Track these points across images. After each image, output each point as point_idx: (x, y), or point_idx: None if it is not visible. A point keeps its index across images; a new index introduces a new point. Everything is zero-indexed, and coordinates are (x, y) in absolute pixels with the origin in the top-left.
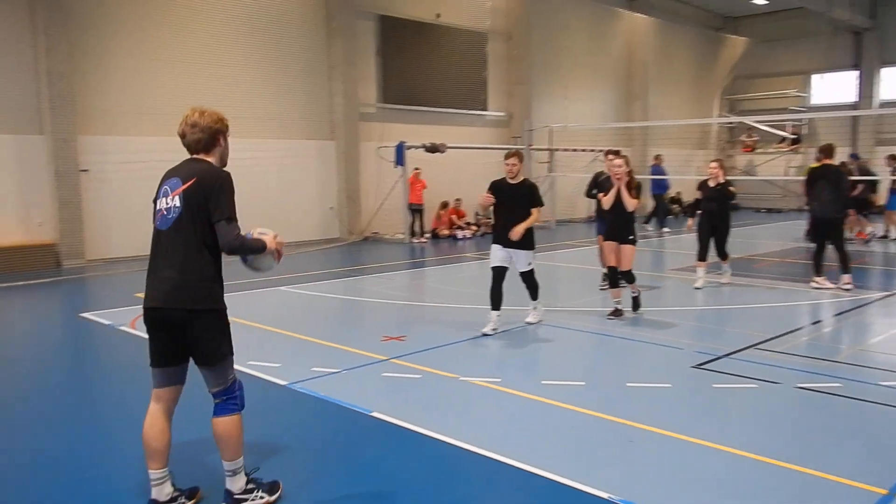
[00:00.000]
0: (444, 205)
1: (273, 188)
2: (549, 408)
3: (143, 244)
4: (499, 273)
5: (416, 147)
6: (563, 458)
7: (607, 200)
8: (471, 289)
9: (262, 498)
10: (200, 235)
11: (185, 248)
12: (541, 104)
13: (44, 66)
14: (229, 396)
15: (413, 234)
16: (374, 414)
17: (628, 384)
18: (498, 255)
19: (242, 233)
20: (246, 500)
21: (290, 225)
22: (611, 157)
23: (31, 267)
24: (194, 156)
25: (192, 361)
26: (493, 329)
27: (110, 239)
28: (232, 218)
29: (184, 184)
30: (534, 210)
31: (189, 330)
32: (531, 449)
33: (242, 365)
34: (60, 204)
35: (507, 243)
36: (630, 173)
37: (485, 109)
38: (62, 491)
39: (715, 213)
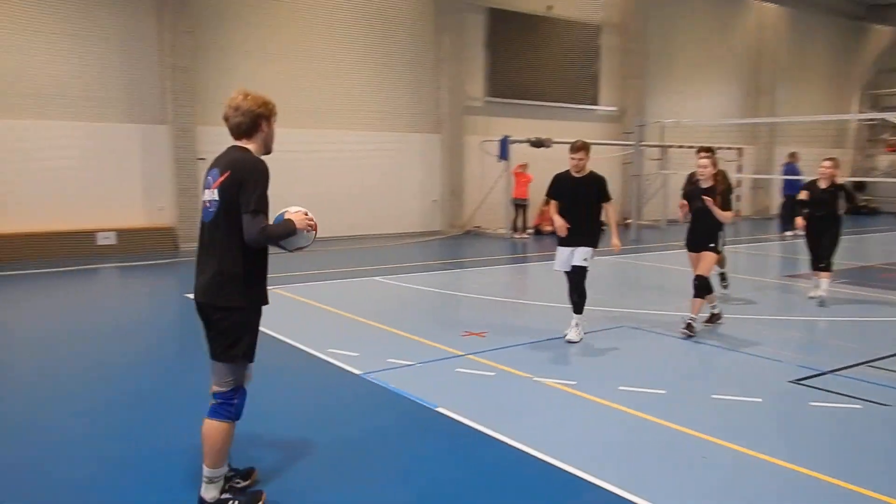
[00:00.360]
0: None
1: (377, 180)
2: (621, 415)
3: None
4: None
5: (521, 141)
6: (626, 469)
7: (683, 215)
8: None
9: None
10: (237, 230)
11: (220, 244)
12: (655, 99)
13: (168, 61)
14: (225, 401)
15: (515, 228)
16: (440, 409)
17: (713, 396)
18: (562, 258)
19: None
20: None
21: (392, 217)
22: (702, 154)
23: (151, 249)
24: (236, 142)
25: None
26: (579, 335)
27: None
28: (258, 211)
29: (220, 176)
30: (607, 206)
31: (212, 324)
32: (592, 457)
33: (321, 352)
34: (179, 190)
35: (572, 243)
36: (718, 175)
37: (595, 104)
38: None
39: (822, 218)
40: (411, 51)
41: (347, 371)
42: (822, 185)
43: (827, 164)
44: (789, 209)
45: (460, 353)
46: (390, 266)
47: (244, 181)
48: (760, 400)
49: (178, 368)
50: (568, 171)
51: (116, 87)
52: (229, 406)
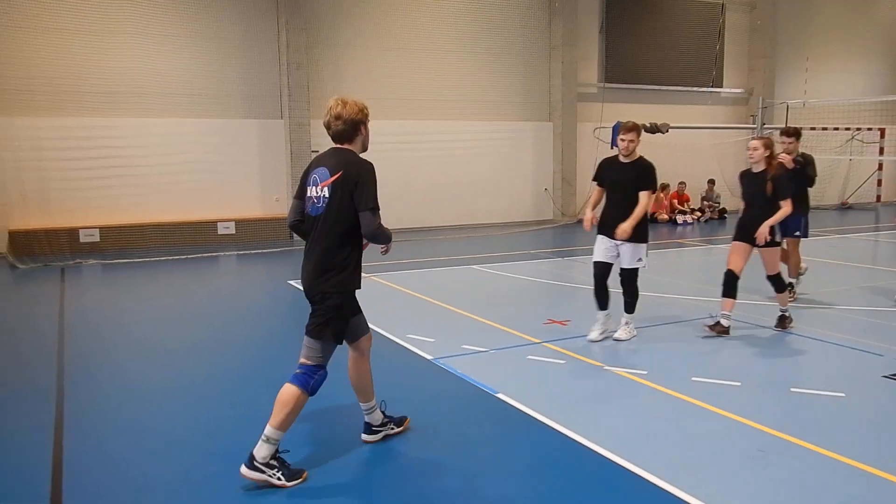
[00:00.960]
0: (664, 187)
1: (488, 169)
2: (690, 408)
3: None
4: (600, 270)
5: None
6: (685, 465)
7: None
8: (668, 277)
9: (279, 479)
10: (344, 224)
11: (326, 236)
12: (786, 79)
13: (284, 58)
14: (307, 373)
15: None
16: (500, 395)
17: (792, 389)
18: (600, 247)
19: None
20: (263, 471)
21: (503, 206)
22: (783, 137)
23: (267, 238)
24: (337, 145)
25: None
26: (601, 333)
27: None
28: (376, 208)
29: (331, 175)
30: (642, 195)
31: (313, 305)
32: (654, 451)
33: (400, 337)
34: (294, 182)
35: (613, 234)
36: (773, 160)
37: (719, 86)
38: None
39: None
40: (523, 38)
41: (420, 356)
42: None
43: None
44: None
45: (537, 340)
46: (495, 255)
47: (359, 181)
48: (843, 395)
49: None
50: (616, 156)
51: (237, 84)
52: (309, 378)
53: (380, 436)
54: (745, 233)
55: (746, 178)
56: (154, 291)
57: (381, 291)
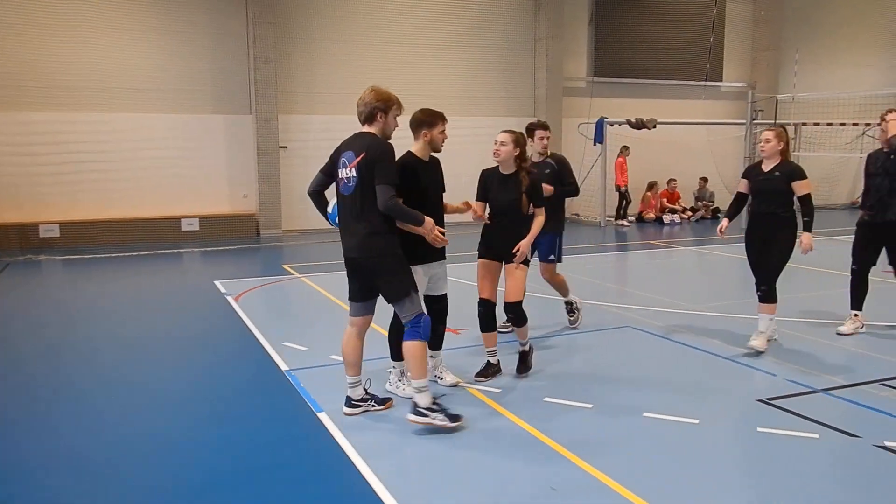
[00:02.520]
0: (651, 186)
1: (469, 166)
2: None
3: None
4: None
5: (621, 123)
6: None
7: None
8: (607, 282)
9: (441, 420)
10: (370, 199)
11: (367, 210)
12: (792, 72)
13: (252, 52)
14: (413, 326)
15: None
16: (321, 414)
17: (645, 414)
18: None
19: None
20: (427, 415)
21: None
22: (539, 131)
23: (233, 235)
24: (362, 130)
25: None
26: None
27: (305, 211)
28: (389, 183)
29: (357, 157)
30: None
31: (376, 273)
32: (426, 487)
33: (273, 344)
34: (261, 178)
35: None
36: (524, 161)
37: (718, 80)
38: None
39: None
40: (506, 31)
41: (275, 365)
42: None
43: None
44: None
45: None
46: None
47: (377, 159)
48: (697, 421)
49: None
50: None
51: (205, 79)
52: (418, 328)
53: (357, 410)
54: (491, 248)
55: (495, 179)
56: (98, 287)
57: (302, 293)
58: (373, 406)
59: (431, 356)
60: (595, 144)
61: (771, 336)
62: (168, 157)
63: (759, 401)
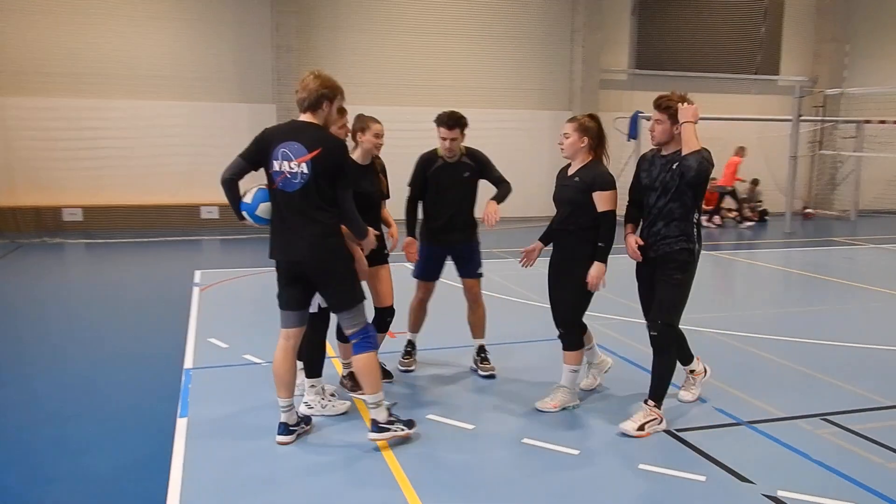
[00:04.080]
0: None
1: (499, 161)
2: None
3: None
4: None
5: None
6: None
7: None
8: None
9: (402, 430)
10: (326, 198)
11: (317, 209)
12: (863, 66)
13: (274, 41)
14: (364, 337)
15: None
16: (183, 419)
17: (525, 440)
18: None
19: None
20: (389, 429)
21: (517, 200)
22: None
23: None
24: (302, 119)
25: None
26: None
27: None
28: (349, 187)
29: (309, 152)
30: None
31: (326, 279)
32: None
33: (199, 339)
34: None
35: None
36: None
37: (774, 73)
38: None
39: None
40: (541, 20)
41: (176, 362)
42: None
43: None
44: None
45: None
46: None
47: (338, 160)
48: (577, 452)
49: None
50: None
51: (228, 68)
52: (370, 340)
53: (293, 437)
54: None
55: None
56: (89, 271)
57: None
58: (400, 428)
59: (313, 384)
60: (629, 140)
61: (591, 385)
62: (189, 145)
63: (665, 431)
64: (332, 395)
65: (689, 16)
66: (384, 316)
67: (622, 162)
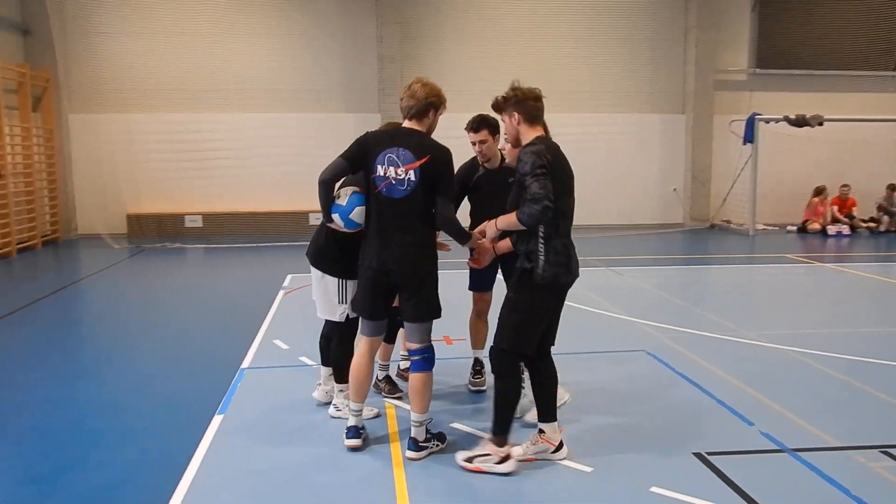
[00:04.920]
0: (819, 191)
1: (608, 166)
2: None
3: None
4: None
5: (778, 120)
6: None
7: None
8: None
9: (437, 446)
10: (430, 208)
11: (417, 219)
12: None
13: (378, 52)
14: (426, 355)
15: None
16: (218, 417)
17: (557, 459)
18: None
19: None
20: (427, 447)
21: (625, 207)
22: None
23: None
24: (407, 125)
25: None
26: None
27: None
28: (451, 197)
29: (418, 159)
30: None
31: (414, 291)
32: None
33: (265, 340)
34: None
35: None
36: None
37: None
38: None
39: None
40: (652, 20)
41: (234, 361)
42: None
43: None
44: None
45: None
46: (610, 257)
47: (444, 168)
48: (591, 469)
49: None
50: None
51: (335, 79)
52: (429, 359)
53: (360, 440)
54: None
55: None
56: (195, 274)
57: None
58: (436, 445)
59: (342, 389)
60: (745, 144)
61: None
62: (298, 154)
63: (694, 454)
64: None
65: (818, 10)
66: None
67: (737, 167)
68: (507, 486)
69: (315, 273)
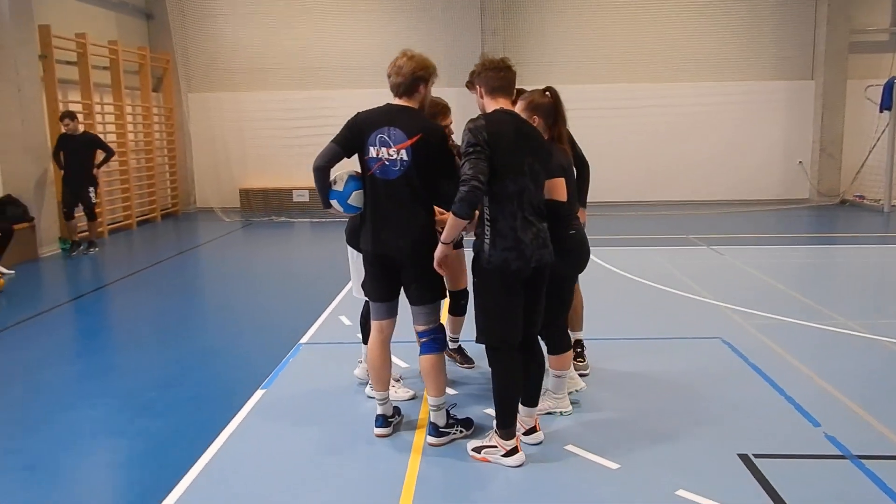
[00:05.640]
0: None
1: (725, 137)
2: None
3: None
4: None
5: None
6: None
7: None
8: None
9: (460, 432)
10: (428, 188)
11: (414, 200)
12: None
13: (481, 25)
14: (435, 336)
15: None
16: (261, 390)
17: (567, 447)
18: None
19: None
20: (448, 433)
21: (743, 181)
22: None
23: None
24: (398, 102)
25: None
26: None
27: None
28: (453, 175)
29: (409, 138)
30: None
31: (416, 272)
32: None
33: (329, 317)
34: None
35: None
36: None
37: None
38: None
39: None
40: None
41: (294, 336)
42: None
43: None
44: None
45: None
46: (725, 235)
47: (439, 146)
48: (617, 466)
49: None
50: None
51: (439, 53)
52: (438, 340)
53: (390, 429)
54: None
55: None
56: (305, 248)
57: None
58: (459, 431)
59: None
60: (882, 111)
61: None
62: None
63: (739, 455)
64: (398, 380)
65: None
66: (458, 299)
67: (873, 137)
68: (520, 480)
69: (351, 252)
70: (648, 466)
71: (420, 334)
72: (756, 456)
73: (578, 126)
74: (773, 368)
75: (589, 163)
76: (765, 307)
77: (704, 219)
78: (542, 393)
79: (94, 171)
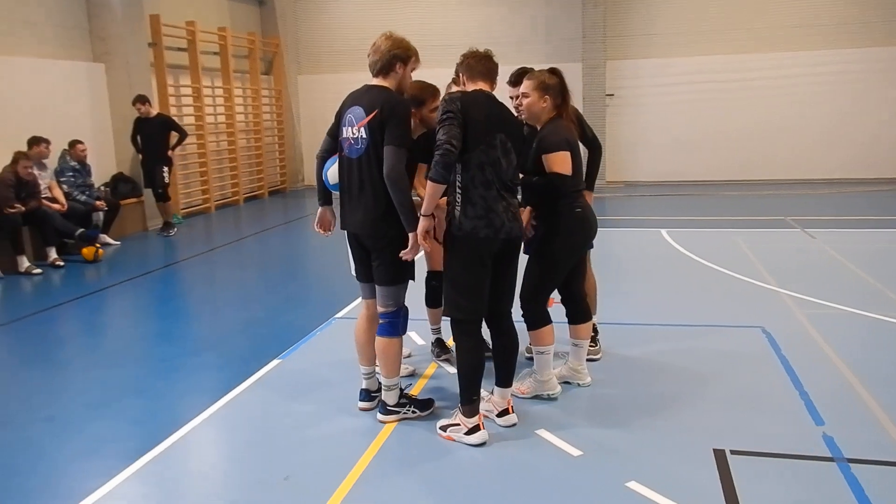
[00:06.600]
0: None
1: (829, 108)
2: None
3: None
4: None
5: None
6: None
7: None
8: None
9: (412, 413)
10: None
11: (373, 180)
12: None
13: None
14: (392, 319)
15: None
16: (277, 361)
17: (539, 431)
18: None
19: None
20: (398, 412)
21: (842, 157)
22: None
23: None
24: (373, 82)
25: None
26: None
27: (634, 162)
28: (400, 144)
29: (368, 115)
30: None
31: (378, 253)
32: None
33: None
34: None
35: None
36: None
37: None
38: None
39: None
40: None
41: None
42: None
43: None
44: None
45: None
46: (820, 218)
47: (392, 117)
48: (578, 454)
49: None
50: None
51: (539, 29)
52: (398, 324)
53: (373, 402)
54: None
55: None
56: None
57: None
58: (412, 412)
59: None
60: None
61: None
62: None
63: (715, 450)
64: (407, 356)
65: None
66: (431, 280)
67: None
68: (475, 458)
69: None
70: (609, 456)
71: (380, 315)
72: (733, 452)
73: (682, 102)
74: (802, 361)
75: (601, 145)
76: (827, 295)
77: (810, 199)
78: (528, 375)
79: (169, 152)
